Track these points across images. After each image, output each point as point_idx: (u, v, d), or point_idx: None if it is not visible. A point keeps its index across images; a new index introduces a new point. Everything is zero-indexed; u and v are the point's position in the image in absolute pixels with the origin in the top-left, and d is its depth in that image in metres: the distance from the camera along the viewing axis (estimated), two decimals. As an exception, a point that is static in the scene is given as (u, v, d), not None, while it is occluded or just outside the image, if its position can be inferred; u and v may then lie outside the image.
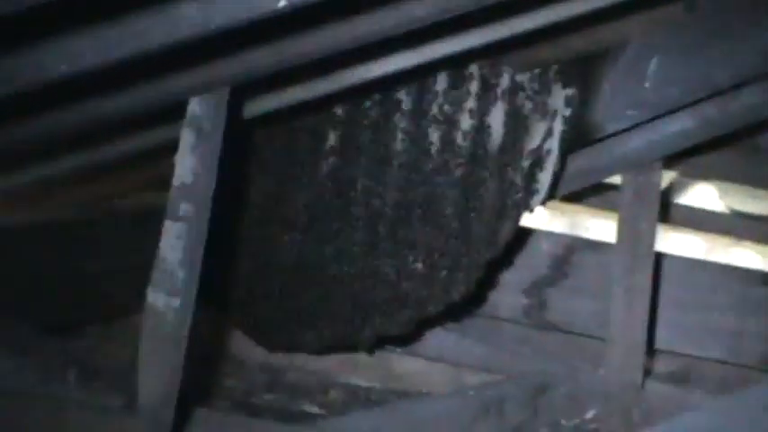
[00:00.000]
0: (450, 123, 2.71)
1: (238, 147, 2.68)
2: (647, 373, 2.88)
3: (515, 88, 2.70)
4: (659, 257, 2.96)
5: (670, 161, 3.08)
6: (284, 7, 1.84)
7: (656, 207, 2.92)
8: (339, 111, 2.76)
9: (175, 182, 2.09)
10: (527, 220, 2.85)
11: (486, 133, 2.69)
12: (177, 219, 2.07)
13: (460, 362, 2.98)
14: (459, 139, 2.70)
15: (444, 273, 2.71)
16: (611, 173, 3.01)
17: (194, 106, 2.12)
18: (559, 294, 3.04)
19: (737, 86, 2.84)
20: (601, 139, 2.87)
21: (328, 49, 2.16)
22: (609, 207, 3.15)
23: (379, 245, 2.74)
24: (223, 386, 2.79)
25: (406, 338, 2.90)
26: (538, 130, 2.69)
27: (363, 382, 2.93)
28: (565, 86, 2.71)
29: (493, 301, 3.02)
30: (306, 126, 2.79)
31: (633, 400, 2.81)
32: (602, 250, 3.04)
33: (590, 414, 2.80)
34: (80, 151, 2.39)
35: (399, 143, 2.73)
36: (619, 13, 2.57)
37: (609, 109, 2.81)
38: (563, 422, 2.76)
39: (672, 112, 2.85)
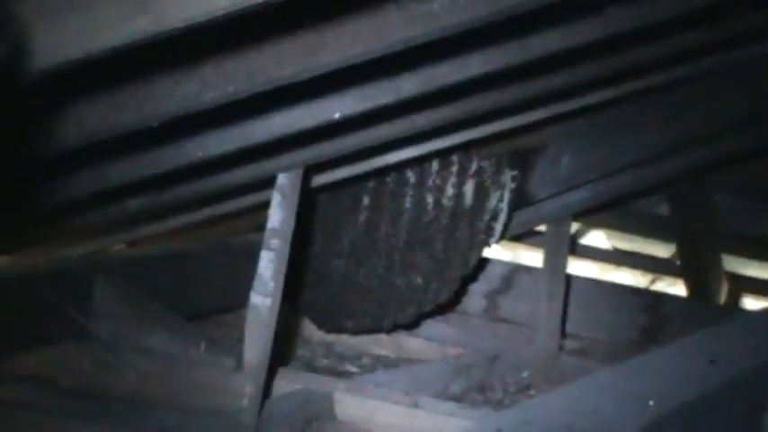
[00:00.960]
0: (439, 191, 2.69)
1: (308, 204, 2.67)
2: (561, 348, 2.84)
3: (480, 170, 2.69)
4: (569, 277, 2.92)
5: (576, 216, 3.07)
6: (338, 118, 1.84)
7: (566, 245, 2.90)
8: (370, 183, 2.74)
9: (268, 226, 2.07)
10: (487, 253, 2.83)
11: (462, 198, 2.68)
12: (269, 249, 2.06)
13: (444, 341, 2.94)
14: (445, 201, 2.68)
15: (435, 285, 2.68)
16: (540, 223, 2.99)
17: (281, 179, 2.10)
18: (507, 299, 3.00)
19: (619, 171, 2.84)
20: (533, 203, 2.85)
21: (363, 144, 2.16)
22: (538, 245, 3.13)
23: (394, 268, 2.71)
24: (296, 354, 2.76)
25: (411, 325, 2.86)
26: (494, 196, 2.67)
27: (383, 353, 2.91)
28: (511, 169, 2.70)
29: (465, 303, 2.98)
30: (349, 192, 2.77)
31: (552, 366, 2.78)
32: (533, 272, 2.99)
33: (524, 374, 2.77)
34: (207, 207, 2.39)
35: (408, 203, 2.71)
36: (543, 125, 2.56)
37: (538, 184, 2.80)
38: (508, 380, 2.73)
39: (577, 186, 2.85)
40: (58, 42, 1.16)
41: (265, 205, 2.13)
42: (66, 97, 1.49)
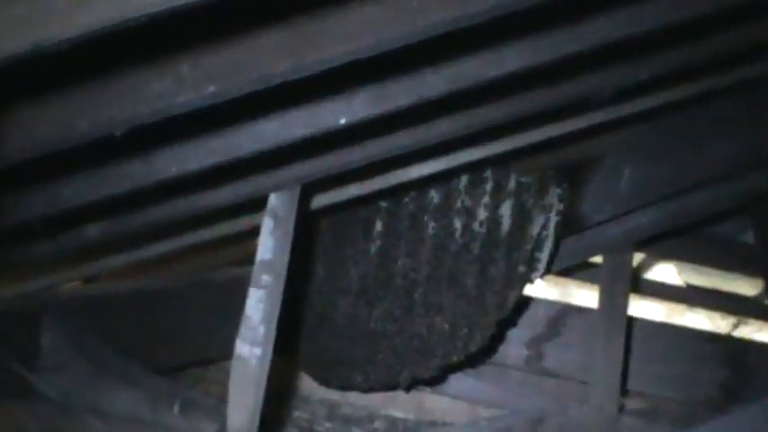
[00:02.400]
0: (469, 214, 2.68)
1: (306, 231, 2.67)
2: (621, 409, 2.82)
3: (520, 188, 2.68)
4: (630, 320, 2.91)
5: (639, 245, 3.05)
6: (343, 125, 1.84)
7: (628, 281, 2.88)
8: (384, 204, 2.74)
9: (258, 258, 2.08)
10: (529, 290, 2.82)
11: (498, 222, 2.67)
12: (259, 287, 2.06)
13: (476, 399, 2.94)
14: (477, 226, 2.67)
15: (464, 330, 2.67)
16: (594, 254, 2.97)
17: (272, 200, 2.11)
18: (553, 348, 3.00)
19: (692, 189, 2.83)
20: (586, 228, 2.84)
21: (376, 156, 2.15)
22: (592, 280, 3.12)
23: (414, 309, 2.70)
24: (292, 416, 2.76)
25: (435, 381, 2.85)
26: (538, 220, 2.67)
27: (401, 415, 2.90)
28: (558, 187, 2.70)
29: (502, 352, 2.97)
30: (358, 216, 2.77)
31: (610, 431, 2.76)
32: (586, 314, 2.99)
33: (577, 442, 2.76)
34: (185, 233, 2.39)
35: (430, 229, 2.70)
36: (598, 132, 2.56)
37: (592, 205, 2.80)
38: (555, 448, 2.72)
39: (641, 207, 2.84)
40: (0, 34, 1.16)
41: (254, 232, 2.13)
42: (10, 101, 1.50)
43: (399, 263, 2.73)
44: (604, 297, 2.85)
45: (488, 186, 2.68)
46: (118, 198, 1.89)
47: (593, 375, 2.80)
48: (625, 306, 2.85)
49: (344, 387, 2.85)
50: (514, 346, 3.00)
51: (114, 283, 2.64)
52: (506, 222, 2.67)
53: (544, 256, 2.69)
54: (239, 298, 2.07)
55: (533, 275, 2.71)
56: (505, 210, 2.68)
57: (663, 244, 3.20)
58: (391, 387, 2.80)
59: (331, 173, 2.17)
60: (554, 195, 2.70)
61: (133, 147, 1.78)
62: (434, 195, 2.72)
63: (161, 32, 1.35)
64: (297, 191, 2.15)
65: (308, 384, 2.90)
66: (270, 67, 1.52)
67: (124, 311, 2.45)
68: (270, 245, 2.09)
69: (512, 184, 2.69)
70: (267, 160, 1.96)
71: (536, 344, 3.01)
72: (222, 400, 2.05)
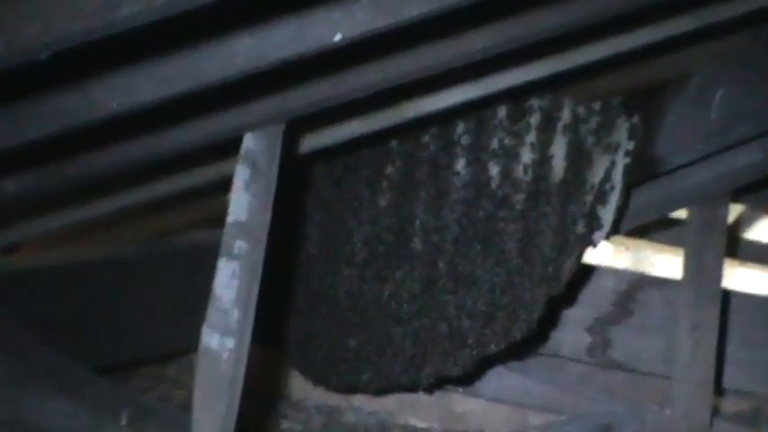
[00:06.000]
0: (510, 157, 2.68)
1: (294, 182, 2.68)
2: (715, 412, 2.84)
3: (577, 121, 2.67)
4: (726, 294, 2.92)
5: (738, 194, 3.05)
6: (340, 41, 1.84)
7: (722, 242, 2.88)
8: (396, 145, 2.75)
9: (230, 219, 2.08)
10: (590, 256, 2.83)
11: (548, 167, 2.66)
12: (232, 257, 2.07)
13: (523, 402, 2.96)
14: (520, 172, 2.67)
15: (504, 312, 2.68)
16: (677, 207, 2.98)
17: (249, 142, 2.11)
18: (624, 332, 3.01)
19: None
20: (666, 173, 2.84)
21: (386, 82, 2.15)
22: (675, 242, 3.12)
23: (438, 282, 2.71)
24: (280, 428, 2.78)
25: (467, 378, 2.86)
26: (601, 163, 2.65)
27: (423, 423, 2.92)
28: (627, 119, 2.68)
29: (555, 339, 2.99)
30: (363, 161, 2.77)
31: (702, 442, 2.78)
32: (667, 287, 3.00)
33: (657, 456, 2.77)
34: (134, 188, 2.39)
35: (458, 178, 2.71)
36: (682, 44, 2.55)
37: (674, 141, 2.78)
38: (629, 464, 2.74)
39: (739, 144, 2.82)
40: None
41: (225, 185, 2.14)
42: None
43: (418, 222, 2.74)
44: (692, 264, 2.86)
45: (534, 119, 2.68)
46: (43, 143, 1.89)
47: (678, 368, 2.81)
48: (719, 275, 2.86)
49: (348, 388, 2.87)
50: (573, 332, 3.02)
51: (41, 255, 2.66)
52: (559, 166, 2.67)
53: (610, 210, 2.68)
54: (206, 272, 2.08)
55: (596, 236, 2.70)
56: (558, 150, 2.68)
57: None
58: (410, 387, 2.82)
59: (325, 105, 2.17)
60: (622, 130, 2.68)
61: (63, 75, 1.78)
62: (463, 132, 2.72)
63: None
64: (280, 129, 2.15)
65: (299, 385, 2.92)
66: (240, -33, 1.53)
67: (55, 292, 2.45)
68: (245, 201, 2.09)
69: (566, 115, 2.68)
70: (240, 90, 1.96)
71: (601, 328, 3.02)
72: (186, 407, 2.06)
